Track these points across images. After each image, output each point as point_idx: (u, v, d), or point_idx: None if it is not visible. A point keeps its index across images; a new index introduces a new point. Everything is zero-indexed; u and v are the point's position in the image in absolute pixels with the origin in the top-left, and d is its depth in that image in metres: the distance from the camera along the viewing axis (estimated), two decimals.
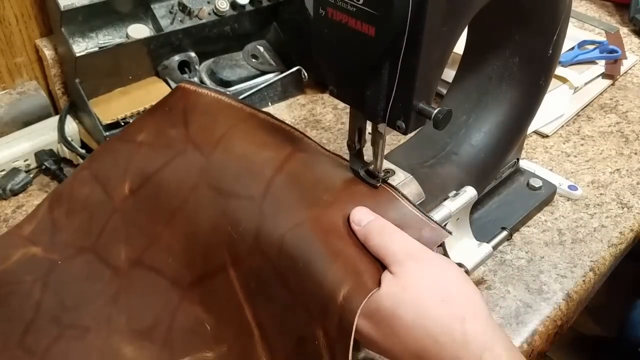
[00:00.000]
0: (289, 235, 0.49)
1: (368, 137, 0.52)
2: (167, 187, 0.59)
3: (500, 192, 0.70)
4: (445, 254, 0.55)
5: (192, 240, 0.56)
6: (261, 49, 0.92)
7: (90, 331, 0.55)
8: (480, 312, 0.43)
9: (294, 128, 0.58)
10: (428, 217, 0.50)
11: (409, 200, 0.51)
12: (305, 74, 0.88)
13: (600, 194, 0.74)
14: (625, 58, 0.99)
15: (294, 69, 0.88)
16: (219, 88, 0.86)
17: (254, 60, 0.90)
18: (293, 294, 0.48)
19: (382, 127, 0.49)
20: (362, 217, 0.48)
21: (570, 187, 0.73)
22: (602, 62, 0.97)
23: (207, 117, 0.61)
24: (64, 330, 0.56)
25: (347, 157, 0.55)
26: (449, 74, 0.65)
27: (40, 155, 0.76)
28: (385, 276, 0.44)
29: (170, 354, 0.52)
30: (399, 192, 0.52)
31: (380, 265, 0.46)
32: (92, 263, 0.60)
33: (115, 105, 0.79)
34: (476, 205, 0.66)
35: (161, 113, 0.64)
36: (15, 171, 0.74)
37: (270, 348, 0.49)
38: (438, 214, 0.53)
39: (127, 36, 0.78)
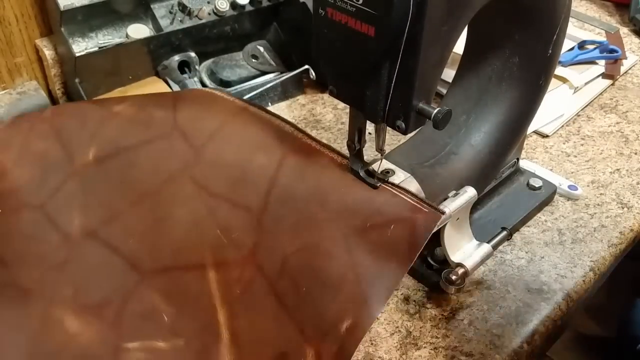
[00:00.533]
0: (292, 259, 0.49)
1: (368, 137, 0.52)
2: (140, 166, 0.56)
3: (500, 192, 0.70)
4: (445, 254, 0.56)
5: (162, 229, 0.54)
6: (261, 49, 0.92)
7: (32, 294, 0.53)
8: None
9: (285, 120, 0.57)
10: (423, 201, 0.50)
11: (404, 190, 0.51)
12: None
13: (600, 194, 0.74)
14: (625, 58, 0.99)
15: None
16: (218, 89, 0.86)
17: (254, 60, 0.90)
18: (288, 312, 0.48)
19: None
20: None
21: (570, 187, 0.73)
22: (602, 62, 0.97)
23: (198, 107, 0.59)
24: (2, 288, 0.53)
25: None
26: (449, 74, 0.65)
27: None
28: None
29: (118, 335, 0.51)
30: (395, 186, 0.52)
31: (381, 286, 0.46)
32: (38, 222, 0.56)
33: None
34: (476, 205, 0.66)
35: (148, 95, 0.62)
36: None
37: (240, 354, 0.49)
38: None
39: (127, 36, 0.78)
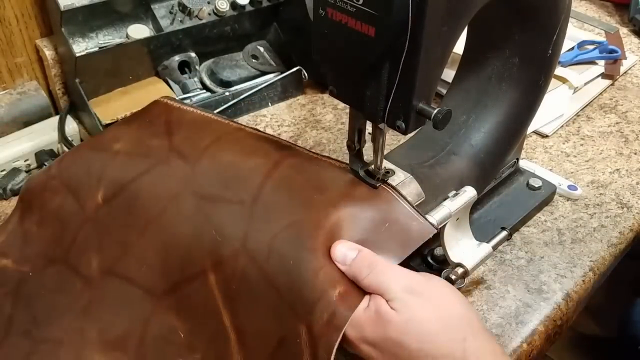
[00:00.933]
0: (280, 236, 0.49)
1: (368, 137, 0.52)
2: (144, 196, 0.58)
3: (500, 192, 0.70)
4: (445, 253, 0.56)
5: (170, 249, 0.55)
6: (261, 49, 0.92)
7: (63, 345, 0.55)
8: (478, 329, 0.46)
9: (282, 139, 0.59)
10: (418, 212, 0.51)
11: (402, 197, 0.52)
12: (305, 74, 0.88)
13: (600, 194, 0.74)
14: (625, 58, 0.99)
15: (294, 69, 0.88)
16: (218, 88, 0.86)
17: (254, 60, 0.90)
18: (279, 293, 0.48)
19: (382, 125, 0.49)
20: (346, 254, 0.48)
21: (569, 187, 0.73)
22: (602, 62, 0.97)
23: (193, 130, 0.61)
24: (37, 345, 0.55)
25: (343, 158, 0.55)
26: (449, 74, 0.65)
27: (40, 155, 0.76)
28: (387, 312, 0.45)
29: None
30: (395, 189, 0.52)
31: None
32: (63, 274, 0.59)
33: (116, 105, 0.79)
34: (476, 205, 0.66)
35: (140, 124, 0.64)
36: (15, 171, 0.74)
37: (247, 351, 0.49)
38: (438, 214, 0.53)
39: (127, 36, 0.78)
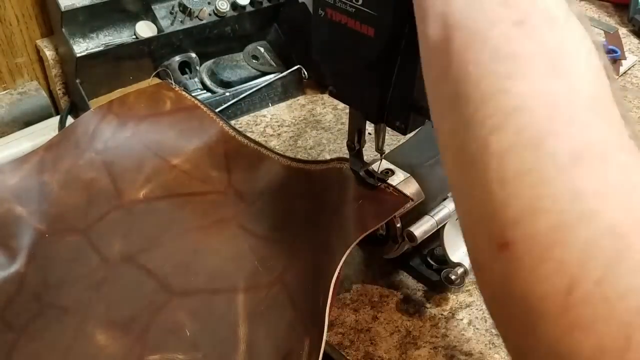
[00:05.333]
0: (307, 267, 0.53)
1: (368, 137, 0.53)
2: (191, 209, 0.61)
3: None
4: (445, 253, 0.56)
5: (201, 258, 0.58)
6: (262, 49, 0.92)
7: (69, 312, 0.55)
8: None
9: (316, 161, 0.61)
10: (394, 188, 0.53)
11: (393, 189, 0.53)
12: (306, 73, 0.88)
13: None
14: (625, 58, 0.99)
15: (294, 67, 0.88)
16: (219, 89, 0.87)
17: (254, 61, 0.91)
18: (297, 311, 0.50)
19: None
20: None
21: None
22: None
23: (250, 170, 0.65)
24: (44, 308, 0.56)
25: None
26: None
27: None
28: None
29: (141, 348, 0.53)
30: (393, 187, 0.53)
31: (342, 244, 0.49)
32: (81, 246, 0.60)
33: None
34: None
35: (200, 148, 0.66)
36: None
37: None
38: (438, 214, 0.53)
39: (135, 34, 0.78)
